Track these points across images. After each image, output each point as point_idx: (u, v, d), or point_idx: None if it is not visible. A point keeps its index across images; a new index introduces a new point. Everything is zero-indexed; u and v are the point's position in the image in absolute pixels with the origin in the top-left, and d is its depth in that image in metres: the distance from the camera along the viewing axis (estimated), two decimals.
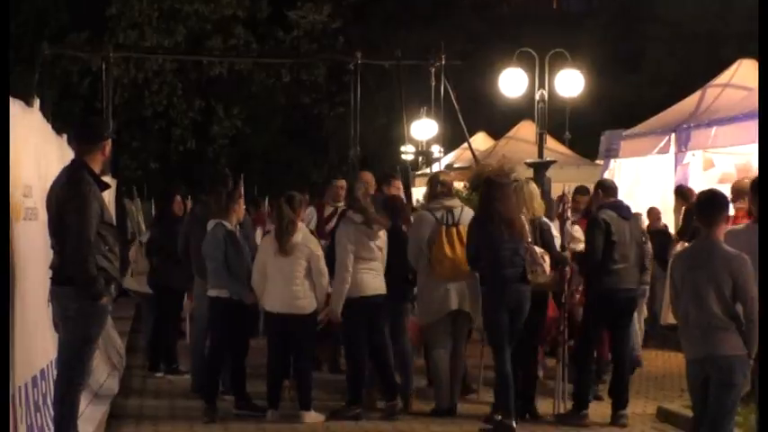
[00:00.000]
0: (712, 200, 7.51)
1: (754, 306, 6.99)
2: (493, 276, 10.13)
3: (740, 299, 7.12)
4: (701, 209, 7.51)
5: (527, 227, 10.28)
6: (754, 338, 6.97)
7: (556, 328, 11.06)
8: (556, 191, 13.10)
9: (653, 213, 15.90)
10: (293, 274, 10.26)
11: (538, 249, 10.17)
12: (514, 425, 9.91)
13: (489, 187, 10.31)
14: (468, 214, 10.79)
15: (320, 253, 10.46)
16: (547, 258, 10.18)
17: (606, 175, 17.94)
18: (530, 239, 10.23)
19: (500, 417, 9.99)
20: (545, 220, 10.78)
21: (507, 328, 10.09)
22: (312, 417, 10.29)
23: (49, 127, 9.75)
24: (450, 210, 10.88)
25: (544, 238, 10.55)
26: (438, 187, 11.16)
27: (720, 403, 7.18)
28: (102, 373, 11.64)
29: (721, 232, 7.39)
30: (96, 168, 7.92)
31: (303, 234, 10.45)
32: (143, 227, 14.11)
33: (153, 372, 13.07)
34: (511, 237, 10.08)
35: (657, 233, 14.85)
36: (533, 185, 10.95)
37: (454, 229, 10.73)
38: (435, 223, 10.80)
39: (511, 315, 10.09)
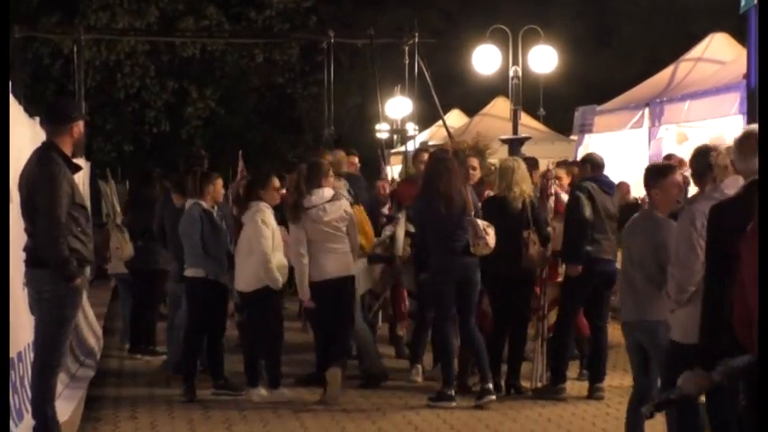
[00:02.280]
0: (647, 171, 7.79)
1: (669, 271, 6.98)
2: (437, 249, 10.37)
3: (663, 265, 7.20)
4: (643, 181, 7.77)
5: (471, 200, 10.50)
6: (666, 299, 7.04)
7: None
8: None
9: (623, 187, 15.95)
10: None
11: (480, 222, 10.28)
12: (454, 393, 10.22)
13: (433, 162, 10.64)
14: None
15: (259, 234, 10.43)
16: (491, 231, 10.29)
17: (581, 151, 17.99)
18: (473, 213, 10.40)
19: (441, 386, 10.29)
20: (535, 199, 10.87)
21: (452, 299, 10.32)
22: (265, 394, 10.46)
23: (21, 110, 9.70)
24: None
25: (535, 217, 10.68)
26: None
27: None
28: (79, 356, 11.62)
29: (657, 200, 7.56)
30: (67, 150, 7.88)
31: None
32: (118, 209, 14.01)
33: (133, 354, 13.06)
34: (450, 211, 10.26)
35: (627, 207, 14.90)
36: (524, 166, 11.01)
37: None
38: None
39: (459, 286, 10.31)
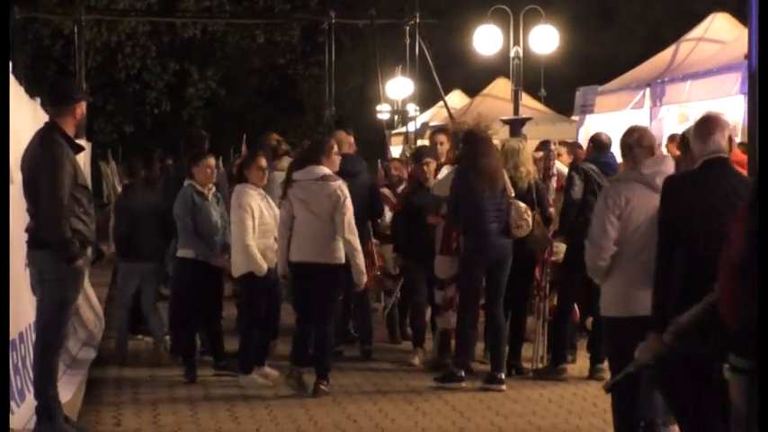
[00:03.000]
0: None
1: None
2: (475, 230, 10.21)
3: None
4: None
5: (509, 182, 10.37)
6: None
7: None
8: (532, 147, 13.12)
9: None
10: None
11: (522, 205, 10.25)
12: (463, 374, 10.14)
13: (473, 141, 10.38)
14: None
15: (237, 219, 10.22)
16: (530, 214, 10.27)
17: (582, 131, 17.96)
18: (513, 195, 10.31)
19: (450, 363, 10.33)
20: (539, 180, 10.85)
21: (480, 285, 10.27)
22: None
23: (21, 90, 9.69)
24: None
25: (539, 197, 10.66)
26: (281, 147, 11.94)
27: None
28: (81, 337, 11.64)
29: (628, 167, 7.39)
30: (69, 130, 7.89)
31: None
32: (119, 190, 14.02)
33: (134, 335, 13.05)
34: (493, 191, 10.15)
35: None
36: (528, 147, 10.99)
37: None
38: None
39: (492, 268, 10.24)
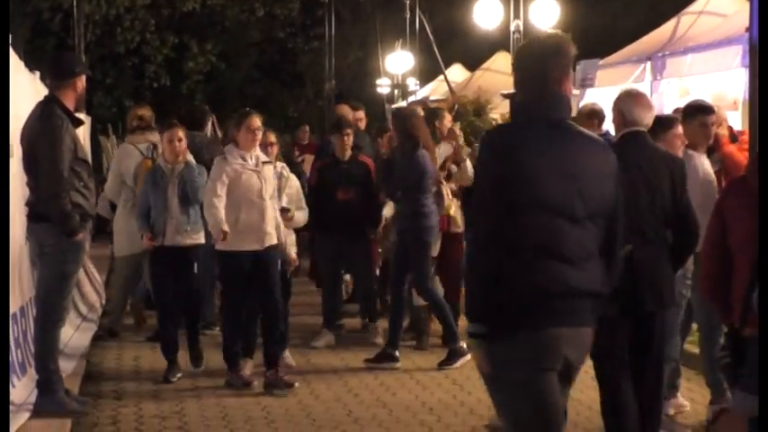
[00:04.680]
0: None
1: None
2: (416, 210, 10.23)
3: None
4: None
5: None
6: None
7: None
8: None
9: None
10: None
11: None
12: (397, 354, 10.11)
13: (414, 119, 10.40)
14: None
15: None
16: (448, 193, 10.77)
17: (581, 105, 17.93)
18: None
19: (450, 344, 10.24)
20: None
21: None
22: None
23: (21, 64, 9.67)
24: (155, 144, 11.00)
25: None
26: (135, 122, 11.61)
27: None
28: (82, 311, 11.65)
29: None
30: (69, 104, 7.88)
31: None
32: None
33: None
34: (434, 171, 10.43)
35: None
36: None
37: None
38: (140, 157, 11.06)
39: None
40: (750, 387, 4.39)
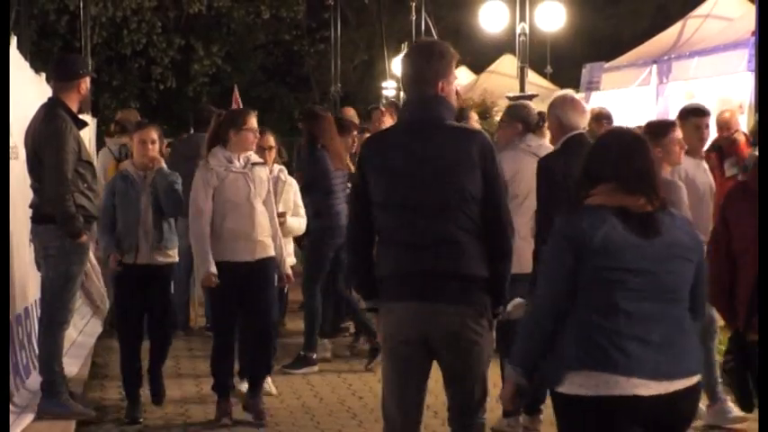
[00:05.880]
0: (647, 129, 7.76)
1: None
2: (327, 211, 10.14)
3: None
4: None
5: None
6: None
7: None
8: None
9: None
10: None
11: None
12: (315, 357, 9.97)
13: (319, 120, 10.25)
14: None
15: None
16: None
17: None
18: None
19: (303, 352, 10.01)
20: None
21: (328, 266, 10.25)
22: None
23: (27, 66, 9.69)
24: (124, 145, 11.19)
25: None
26: (113, 126, 12.22)
27: None
28: (87, 312, 11.65)
29: (660, 160, 7.61)
30: (73, 106, 7.89)
31: None
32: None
33: None
34: (342, 171, 10.26)
35: None
36: None
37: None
38: (112, 157, 11.48)
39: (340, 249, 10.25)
40: None
